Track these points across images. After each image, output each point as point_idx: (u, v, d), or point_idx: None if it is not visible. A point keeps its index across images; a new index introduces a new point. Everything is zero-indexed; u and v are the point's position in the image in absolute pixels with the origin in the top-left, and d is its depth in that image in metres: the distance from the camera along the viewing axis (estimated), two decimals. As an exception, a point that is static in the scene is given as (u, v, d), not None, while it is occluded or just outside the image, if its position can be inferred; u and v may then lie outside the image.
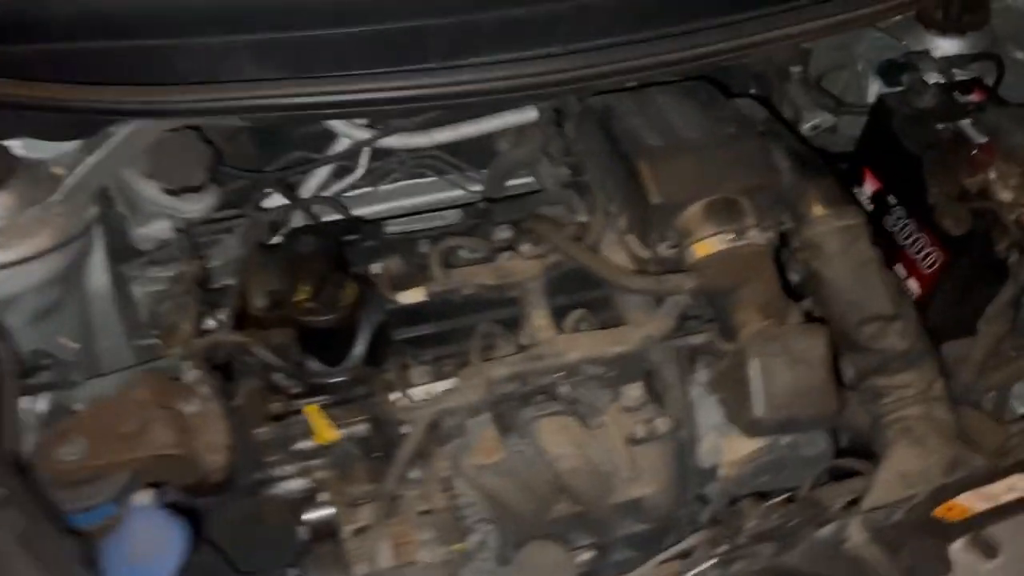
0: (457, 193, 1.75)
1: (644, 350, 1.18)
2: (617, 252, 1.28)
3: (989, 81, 1.57)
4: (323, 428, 1.18)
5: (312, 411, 1.18)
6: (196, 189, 1.34)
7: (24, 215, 1.29)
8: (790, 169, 1.31)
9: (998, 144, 1.35)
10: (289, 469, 1.25)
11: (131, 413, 1.25)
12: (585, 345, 1.18)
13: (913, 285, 1.47)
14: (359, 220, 1.50)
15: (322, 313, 1.17)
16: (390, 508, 1.14)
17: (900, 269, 1.48)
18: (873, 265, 1.24)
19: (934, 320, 1.45)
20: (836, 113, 1.73)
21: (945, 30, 1.65)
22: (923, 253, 1.43)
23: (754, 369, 1.11)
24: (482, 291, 1.25)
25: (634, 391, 1.19)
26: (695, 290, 1.18)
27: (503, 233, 1.35)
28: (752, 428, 1.13)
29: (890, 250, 1.49)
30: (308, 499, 1.28)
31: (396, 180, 1.79)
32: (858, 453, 1.29)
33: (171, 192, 1.33)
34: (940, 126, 1.42)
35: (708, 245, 1.22)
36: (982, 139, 1.39)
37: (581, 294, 1.31)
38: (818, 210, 1.26)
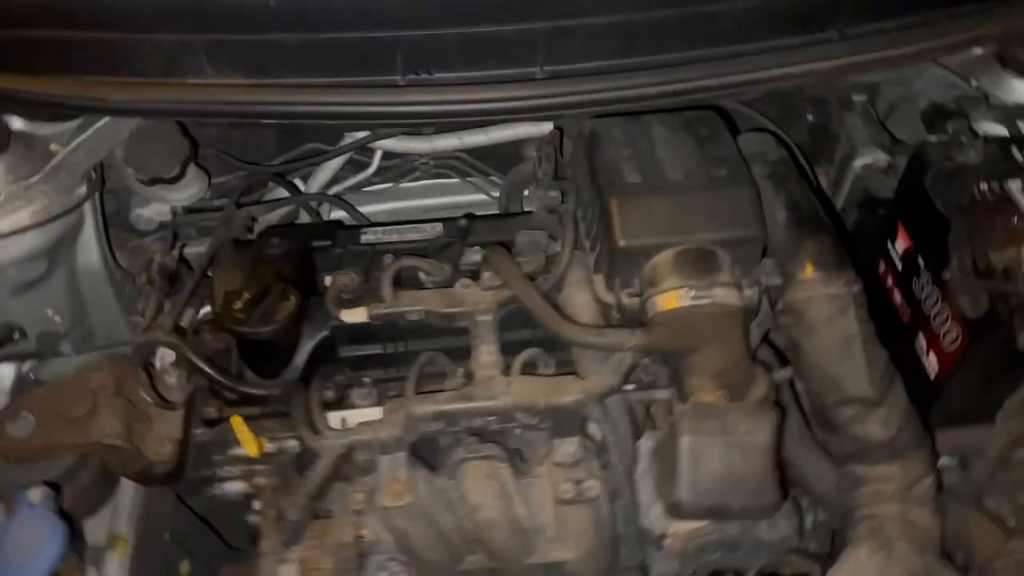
0: (479, 197, 1.69)
1: (581, 406, 1.08)
2: (581, 292, 1.19)
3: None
4: (247, 441, 1.15)
5: (237, 422, 1.16)
6: (171, 181, 1.33)
7: (8, 190, 1.32)
8: (785, 222, 1.18)
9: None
10: (231, 471, 1.24)
11: (83, 397, 1.26)
12: (520, 392, 1.10)
13: (933, 361, 1.30)
14: (336, 225, 1.45)
15: (252, 324, 1.14)
16: (293, 533, 1.10)
17: (922, 341, 1.32)
18: (857, 342, 1.10)
19: (951, 403, 1.29)
20: (891, 153, 1.55)
21: (1025, 71, 1.44)
22: (945, 329, 1.26)
23: (683, 448, 1.00)
24: (430, 318, 1.18)
25: (568, 447, 1.11)
26: (641, 349, 1.07)
27: (474, 256, 1.28)
28: (674, 510, 1.02)
29: (915, 319, 1.33)
30: (247, 503, 1.27)
31: (417, 179, 1.75)
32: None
33: (143, 182, 1.32)
34: (983, 186, 1.23)
35: (669, 299, 1.11)
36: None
37: (542, 330, 1.23)
38: (806, 272, 1.13)
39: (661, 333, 1.08)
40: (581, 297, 1.18)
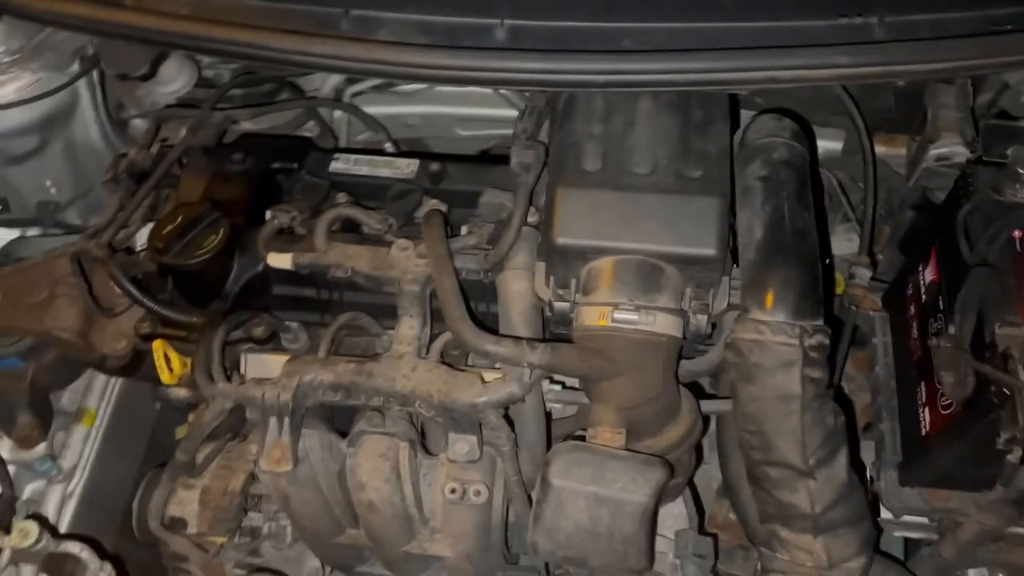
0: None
1: (475, 410, 1.00)
2: (520, 279, 1.07)
3: None
4: (161, 367, 1.15)
5: (157, 347, 1.15)
6: (142, 78, 1.28)
7: (-4, 63, 1.31)
8: (760, 243, 1.00)
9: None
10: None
11: (43, 284, 1.29)
12: (420, 380, 1.02)
13: (927, 417, 1.12)
14: (308, 144, 1.37)
15: (173, 255, 1.11)
16: (184, 471, 1.11)
17: (923, 390, 1.13)
18: (796, 404, 0.94)
19: (935, 466, 1.13)
20: (972, 149, 1.29)
21: None
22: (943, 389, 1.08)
23: (549, 491, 0.91)
24: (356, 278, 1.11)
25: (462, 446, 1.03)
26: (542, 367, 0.97)
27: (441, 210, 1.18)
28: (532, 548, 0.95)
29: (923, 362, 1.14)
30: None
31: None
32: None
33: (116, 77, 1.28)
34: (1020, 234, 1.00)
35: (593, 315, 0.98)
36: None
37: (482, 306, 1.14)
38: (763, 309, 0.96)
39: (568, 355, 0.97)
40: (519, 285, 1.07)
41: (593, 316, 0.98)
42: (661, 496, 0.92)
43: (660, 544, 1.09)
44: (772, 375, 0.95)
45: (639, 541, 0.91)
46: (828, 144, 1.52)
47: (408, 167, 1.27)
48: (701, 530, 1.16)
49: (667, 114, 1.06)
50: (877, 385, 1.24)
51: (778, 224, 1.01)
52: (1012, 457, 0.93)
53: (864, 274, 1.28)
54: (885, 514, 1.20)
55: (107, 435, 1.42)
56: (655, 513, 0.92)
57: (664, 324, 0.97)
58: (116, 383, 1.45)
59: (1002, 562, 1.17)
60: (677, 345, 0.99)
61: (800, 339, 0.94)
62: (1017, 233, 1.01)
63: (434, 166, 1.24)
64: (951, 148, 1.30)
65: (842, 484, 0.97)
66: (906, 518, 1.19)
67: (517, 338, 0.98)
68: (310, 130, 1.59)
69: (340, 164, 1.28)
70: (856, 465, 1.05)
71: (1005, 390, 0.91)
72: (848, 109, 1.32)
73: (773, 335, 0.95)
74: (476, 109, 1.70)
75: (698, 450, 1.11)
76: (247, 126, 1.49)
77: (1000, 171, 1.04)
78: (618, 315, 0.96)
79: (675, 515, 1.13)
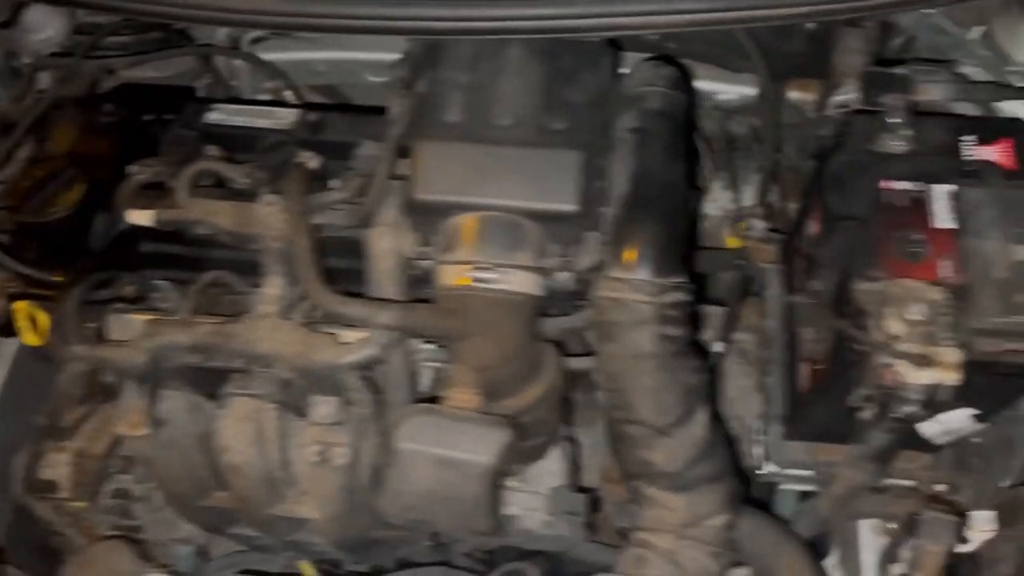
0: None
1: (333, 371, 0.98)
2: (387, 236, 1.04)
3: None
4: (24, 329, 1.11)
5: (19, 307, 1.12)
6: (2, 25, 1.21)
7: None
8: (624, 197, 0.97)
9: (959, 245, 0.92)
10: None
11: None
12: (280, 341, 1.00)
13: (804, 372, 1.11)
14: (187, 94, 1.31)
15: (26, 212, 1.06)
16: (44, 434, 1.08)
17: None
18: (650, 363, 0.92)
19: (810, 421, 1.12)
20: (871, 96, 1.26)
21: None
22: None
23: (395, 455, 0.89)
24: (220, 234, 1.07)
25: (324, 407, 1.01)
26: (396, 328, 0.94)
27: (309, 164, 1.13)
28: (380, 511, 0.93)
29: (805, 316, 1.12)
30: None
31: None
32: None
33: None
34: (895, 187, 0.98)
35: (450, 273, 0.95)
36: (949, 224, 0.95)
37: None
38: (617, 268, 0.94)
39: (421, 316, 0.94)
40: (385, 242, 1.03)
41: (451, 275, 0.95)
42: (511, 457, 0.90)
43: (532, 501, 1.08)
44: (628, 333, 0.92)
45: (486, 502, 0.90)
46: (743, 90, 1.48)
47: (288, 118, 1.22)
48: (582, 488, 1.15)
49: (536, 63, 1.02)
50: (767, 339, 1.23)
51: (643, 178, 0.97)
52: (866, 414, 0.92)
53: (759, 225, 1.26)
54: (773, 467, 1.21)
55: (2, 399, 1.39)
56: (503, 474, 0.91)
57: (522, 282, 0.94)
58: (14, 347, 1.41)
59: (891, 514, 1.18)
60: (536, 304, 0.96)
61: (656, 296, 0.91)
62: (886, 184, 0.98)
63: (312, 116, 1.19)
64: (851, 95, 1.27)
65: (701, 442, 0.96)
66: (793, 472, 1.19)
67: (369, 298, 0.95)
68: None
69: (216, 115, 1.22)
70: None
71: (860, 347, 0.90)
72: (749, 52, 1.28)
73: (629, 292, 0.92)
74: (386, 55, 1.63)
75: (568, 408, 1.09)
76: (133, 76, 1.42)
77: (874, 120, 1.01)
78: (474, 274, 0.93)
79: (553, 472, 1.12)
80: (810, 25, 1.36)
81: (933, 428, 1.06)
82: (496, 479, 0.90)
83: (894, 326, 0.88)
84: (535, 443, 1.03)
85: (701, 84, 1.48)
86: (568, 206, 0.95)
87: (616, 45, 1.18)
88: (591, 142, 0.97)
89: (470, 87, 1.00)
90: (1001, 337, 0.88)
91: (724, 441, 1.00)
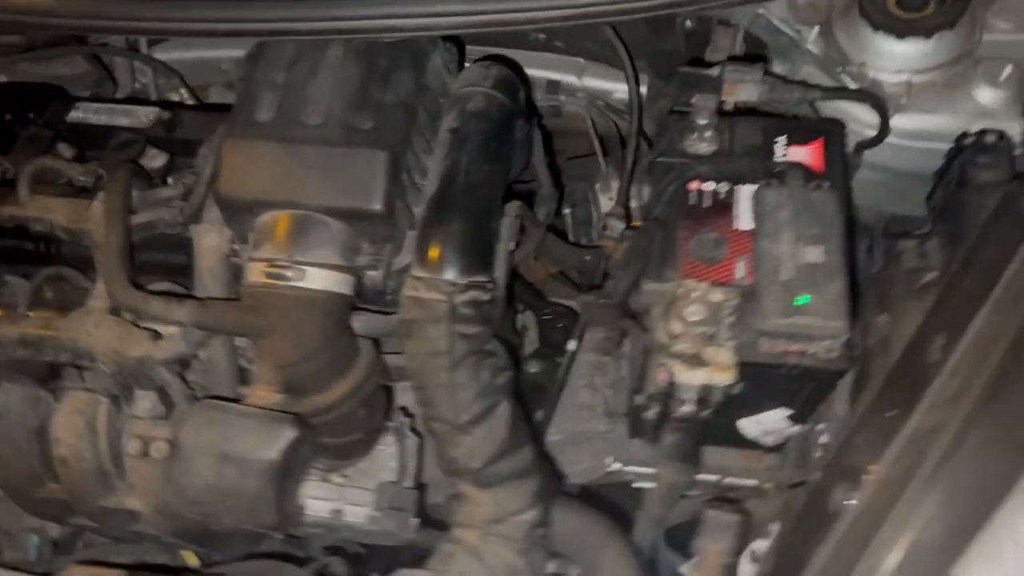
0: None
1: (145, 366, 1.00)
2: (212, 233, 1.06)
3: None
4: None
5: None
6: None
7: None
8: (432, 197, 0.98)
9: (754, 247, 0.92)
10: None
11: None
12: (100, 337, 1.01)
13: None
14: (54, 92, 1.33)
15: None
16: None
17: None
18: (444, 360, 0.93)
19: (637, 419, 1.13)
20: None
21: (895, 29, 1.08)
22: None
23: (177, 451, 0.90)
24: (56, 231, 1.09)
25: (145, 401, 1.03)
26: (192, 325, 0.96)
27: (155, 161, 1.15)
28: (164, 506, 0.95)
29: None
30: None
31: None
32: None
33: None
34: (702, 187, 0.98)
35: (255, 271, 0.97)
36: (750, 225, 0.95)
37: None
38: (418, 267, 0.95)
39: (219, 313, 0.96)
40: (209, 239, 1.05)
41: (254, 272, 0.97)
42: (301, 453, 0.92)
43: (359, 496, 1.09)
44: (425, 331, 0.94)
45: (268, 498, 0.91)
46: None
47: (146, 115, 1.24)
48: (421, 483, 1.16)
49: (352, 62, 1.02)
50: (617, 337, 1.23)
51: (451, 178, 0.98)
52: (648, 415, 0.93)
53: (616, 225, 1.26)
54: (617, 465, 1.22)
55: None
56: (293, 470, 0.92)
57: (323, 280, 0.95)
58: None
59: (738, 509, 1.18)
60: (341, 301, 0.97)
61: (452, 295, 0.92)
62: (693, 185, 0.99)
63: (166, 114, 1.21)
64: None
65: (503, 439, 0.97)
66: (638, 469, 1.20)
67: (168, 294, 0.97)
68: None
69: (79, 113, 1.25)
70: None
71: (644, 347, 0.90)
72: (617, 51, 1.29)
73: (427, 291, 0.93)
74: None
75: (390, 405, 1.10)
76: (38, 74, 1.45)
77: (685, 120, 1.01)
78: (272, 271, 0.95)
79: (389, 468, 1.13)
80: (689, 23, 1.37)
81: (754, 428, 1.06)
82: (282, 475, 0.91)
83: (675, 326, 0.89)
84: (350, 439, 1.04)
85: (594, 83, 1.50)
86: (373, 205, 0.96)
87: (458, 44, 1.19)
88: (400, 141, 0.98)
89: (285, 86, 1.01)
90: (784, 339, 0.88)
91: (529, 439, 1.01)
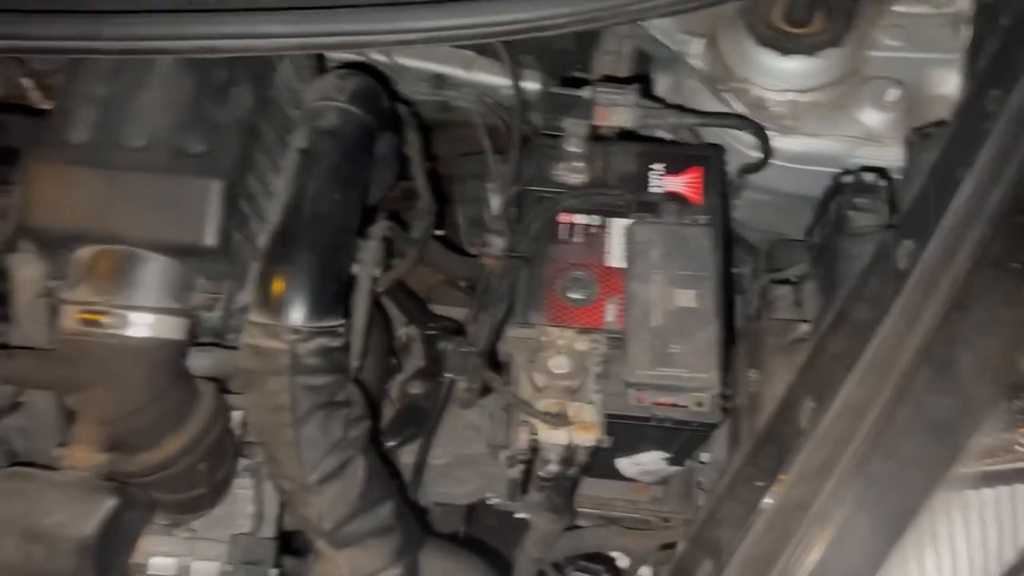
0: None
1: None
2: (28, 265, 0.93)
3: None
4: None
5: None
6: None
7: None
8: (272, 234, 0.88)
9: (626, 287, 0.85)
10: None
11: None
12: None
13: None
14: None
15: None
16: None
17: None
18: (288, 416, 0.84)
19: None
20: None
21: (780, 45, 1.02)
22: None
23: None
24: None
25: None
26: (-2, 379, 0.84)
27: None
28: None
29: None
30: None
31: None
32: None
33: None
34: (573, 219, 0.91)
35: (68, 315, 0.85)
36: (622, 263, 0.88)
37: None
38: (256, 311, 0.85)
39: (24, 365, 0.85)
40: (27, 271, 0.93)
41: (68, 318, 0.85)
42: (126, 523, 0.82)
43: (210, 550, 1.00)
44: (264, 383, 0.84)
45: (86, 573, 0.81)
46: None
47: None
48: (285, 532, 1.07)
49: (184, 74, 0.90)
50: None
51: (296, 208, 0.88)
52: (513, 473, 0.86)
53: (496, 242, 1.18)
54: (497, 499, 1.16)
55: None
56: (117, 543, 0.82)
57: (149, 327, 0.85)
58: None
59: (620, 547, 1.14)
60: (172, 348, 0.87)
61: (292, 344, 0.83)
62: (563, 218, 0.91)
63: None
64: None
65: (357, 498, 0.88)
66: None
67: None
68: None
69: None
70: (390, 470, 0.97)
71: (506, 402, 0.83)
72: (498, 51, 1.20)
73: (265, 339, 0.84)
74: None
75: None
76: None
77: (553, 146, 0.93)
78: (88, 319, 0.83)
79: (246, 515, 1.04)
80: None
81: (632, 468, 1.01)
82: (101, 551, 0.81)
83: (539, 379, 0.82)
84: (193, 495, 0.95)
85: (484, 77, 1.41)
86: (206, 240, 0.85)
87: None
88: (238, 166, 0.87)
89: (106, 100, 0.89)
90: (652, 390, 0.82)
91: (388, 493, 0.93)
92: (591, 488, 1.08)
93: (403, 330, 1.43)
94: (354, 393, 0.91)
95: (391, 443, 1.26)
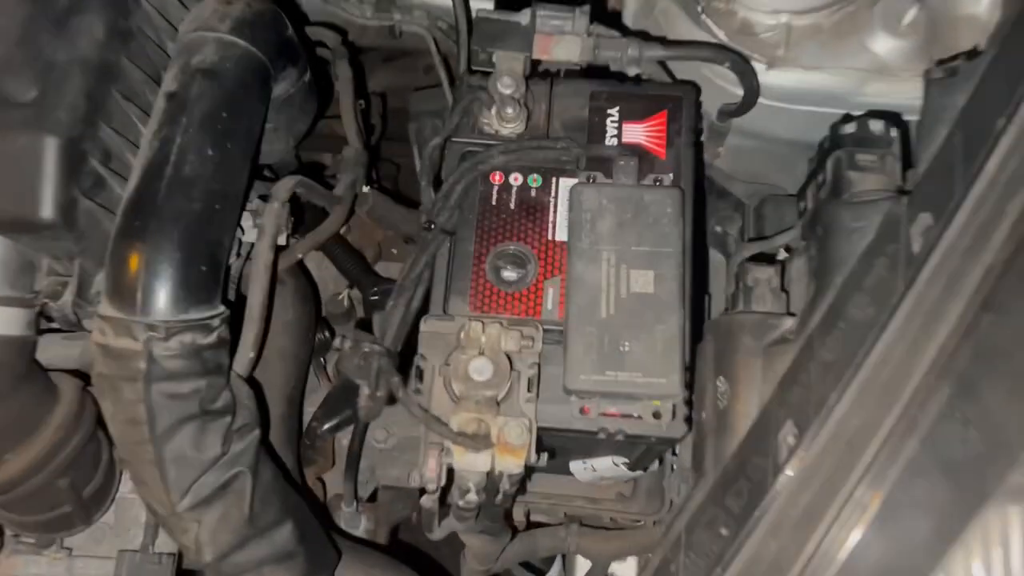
0: None
1: None
2: None
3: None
4: None
5: None
6: None
7: None
8: (125, 204, 0.70)
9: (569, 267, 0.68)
10: None
11: None
12: None
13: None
14: None
15: None
16: None
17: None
18: (147, 431, 0.68)
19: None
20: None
21: None
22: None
23: None
24: None
25: None
26: None
27: None
28: None
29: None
30: None
31: None
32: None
33: None
34: (508, 180, 0.72)
35: None
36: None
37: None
38: (106, 302, 0.68)
39: None
40: None
41: None
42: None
43: (94, 570, 0.86)
44: (119, 391, 0.68)
45: None
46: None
47: None
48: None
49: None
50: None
51: (155, 170, 0.70)
52: (427, 504, 0.70)
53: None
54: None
55: None
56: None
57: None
58: None
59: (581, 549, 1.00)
60: (13, 347, 0.71)
61: (147, 343, 0.66)
62: (495, 178, 0.73)
63: None
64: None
65: (245, 523, 0.73)
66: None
67: None
68: None
69: None
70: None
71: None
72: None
73: (116, 337, 0.67)
74: None
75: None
76: None
77: (482, 88, 0.74)
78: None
79: (139, 524, 0.89)
80: None
81: (587, 474, 0.86)
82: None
83: (456, 387, 0.65)
84: (53, 515, 0.79)
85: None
86: (41, 213, 0.68)
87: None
88: (83, 117, 0.69)
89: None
90: (598, 398, 0.66)
91: (291, 509, 0.78)
92: (544, 485, 0.93)
93: (345, 292, 1.27)
94: (243, 394, 0.75)
95: (325, 427, 1.11)
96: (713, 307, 0.93)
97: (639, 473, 0.85)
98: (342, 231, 1.28)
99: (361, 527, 1.18)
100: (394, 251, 1.28)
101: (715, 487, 0.59)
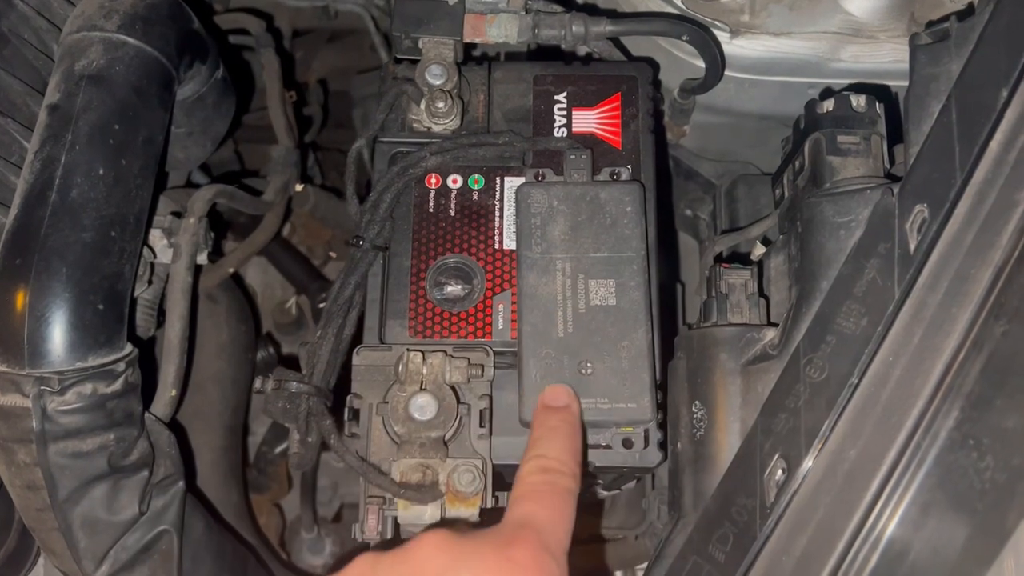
0: None
1: None
2: None
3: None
4: None
5: None
6: None
7: None
8: (6, 240, 0.61)
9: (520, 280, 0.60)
10: None
11: None
12: None
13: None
14: None
15: None
16: None
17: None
18: (45, 497, 0.59)
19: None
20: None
21: None
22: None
23: None
24: None
25: None
26: None
27: None
28: None
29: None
30: None
31: None
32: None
33: None
34: (445, 183, 0.64)
35: None
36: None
37: None
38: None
39: None
40: None
41: None
42: None
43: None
44: (11, 454, 0.59)
45: None
46: None
47: None
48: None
49: None
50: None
51: (37, 197, 0.61)
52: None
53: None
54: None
55: None
56: None
57: None
58: None
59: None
60: None
61: (40, 399, 0.58)
62: (430, 181, 0.64)
63: None
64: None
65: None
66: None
67: None
68: None
69: None
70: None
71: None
72: None
73: (2, 394, 0.58)
74: None
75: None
76: None
77: (408, 78, 0.65)
78: None
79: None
80: None
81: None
82: None
83: (397, 429, 0.57)
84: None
85: None
86: None
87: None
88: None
89: None
90: (561, 430, 0.58)
91: (225, 565, 0.69)
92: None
93: (293, 300, 1.18)
94: (164, 442, 0.66)
95: (276, 451, 1.04)
96: (687, 297, 0.86)
97: (613, 492, 0.78)
98: (285, 232, 1.20)
99: (326, 551, 1.10)
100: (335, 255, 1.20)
101: (696, 531, 0.51)
